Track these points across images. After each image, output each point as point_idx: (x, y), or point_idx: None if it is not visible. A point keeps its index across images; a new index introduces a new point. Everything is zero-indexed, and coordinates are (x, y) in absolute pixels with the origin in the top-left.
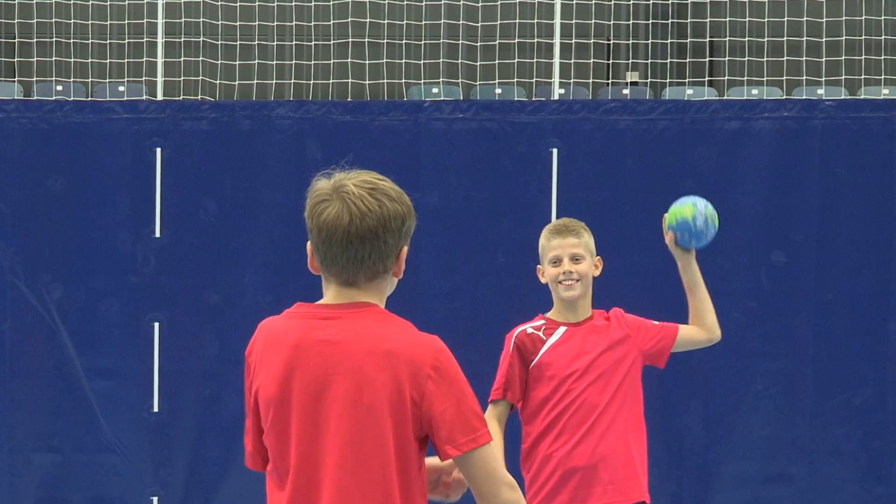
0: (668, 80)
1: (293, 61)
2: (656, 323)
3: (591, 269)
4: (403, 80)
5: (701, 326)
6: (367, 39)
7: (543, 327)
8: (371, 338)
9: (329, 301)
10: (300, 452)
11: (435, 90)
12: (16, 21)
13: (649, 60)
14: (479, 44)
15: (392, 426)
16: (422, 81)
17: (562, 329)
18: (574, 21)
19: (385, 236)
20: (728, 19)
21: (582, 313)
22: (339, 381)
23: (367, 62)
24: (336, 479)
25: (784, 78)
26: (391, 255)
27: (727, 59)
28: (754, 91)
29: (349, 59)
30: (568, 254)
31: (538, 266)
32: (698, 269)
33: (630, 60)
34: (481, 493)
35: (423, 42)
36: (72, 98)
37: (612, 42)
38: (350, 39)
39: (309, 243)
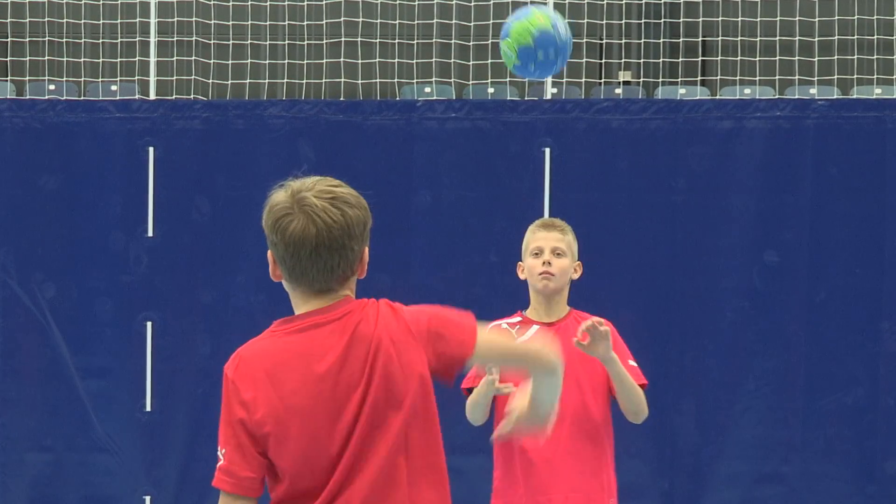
0: (660, 80)
1: (286, 61)
2: (630, 364)
3: (570, 269)
4: (396, 80)
5: (626, 413)
6: (359, 39)
7: (518, 326)
8: (384, 323)
9: (309, 309)
10: (353, 454)
11: (427, 89)
12: (8, 20)
13: (642, 60)
14: (471, 43)
15: (423, 398)
16: (414, 81)
17: (534, 328)
18: (566, 20)
19: (351, 244)
20: (720, 19)
21: (556, 311)
22: (370, 376)
23: (359, 61)
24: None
25: (776, 77)
26: (356, 259)
27: (720, 58)
28: (747, 91)
29: (342, 59)
30: (550, 246)
31: (519, 262)
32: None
33: (623, 60)
34: (523, 365)
35: (415, 41)
36: (64, 97)
37: (604, 41)
38: (342, 39)
39: (270, 253)
